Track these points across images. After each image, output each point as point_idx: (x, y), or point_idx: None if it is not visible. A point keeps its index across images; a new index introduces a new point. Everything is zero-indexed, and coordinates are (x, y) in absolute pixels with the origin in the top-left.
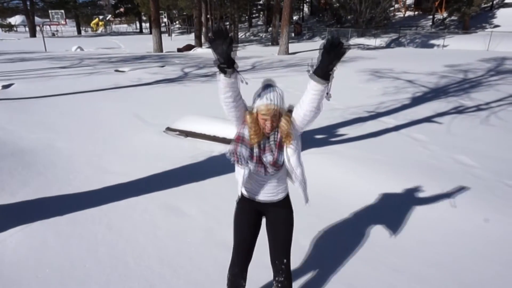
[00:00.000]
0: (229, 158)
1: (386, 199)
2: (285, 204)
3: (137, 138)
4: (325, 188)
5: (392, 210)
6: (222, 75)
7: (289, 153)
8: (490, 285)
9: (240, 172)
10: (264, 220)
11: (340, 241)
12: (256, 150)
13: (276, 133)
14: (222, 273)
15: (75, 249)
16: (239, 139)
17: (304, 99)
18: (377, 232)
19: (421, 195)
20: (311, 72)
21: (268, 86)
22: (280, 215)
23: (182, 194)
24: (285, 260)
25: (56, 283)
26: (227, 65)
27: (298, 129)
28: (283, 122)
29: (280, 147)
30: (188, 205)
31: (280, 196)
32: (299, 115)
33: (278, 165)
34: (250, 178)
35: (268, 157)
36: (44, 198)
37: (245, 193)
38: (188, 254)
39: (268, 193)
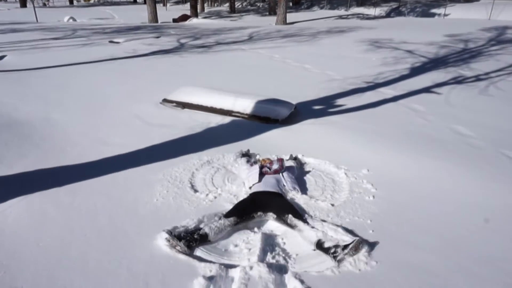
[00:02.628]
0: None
1: (384, 169)
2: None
3: (134, 109)
4: (323, 158)
5: (390, 180)
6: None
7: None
8: (489, 256)
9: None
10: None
11: (339, 211)
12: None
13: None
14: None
15: (75, 219)
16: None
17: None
18: (376, 202)
19: (419, 165)
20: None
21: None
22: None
23: (180, 165)
24: (287, 215)
25: (58, 252)
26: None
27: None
28: None
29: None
30: (186, 176)
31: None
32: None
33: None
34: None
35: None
36: (42, 170)
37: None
38: (187, 223)
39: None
